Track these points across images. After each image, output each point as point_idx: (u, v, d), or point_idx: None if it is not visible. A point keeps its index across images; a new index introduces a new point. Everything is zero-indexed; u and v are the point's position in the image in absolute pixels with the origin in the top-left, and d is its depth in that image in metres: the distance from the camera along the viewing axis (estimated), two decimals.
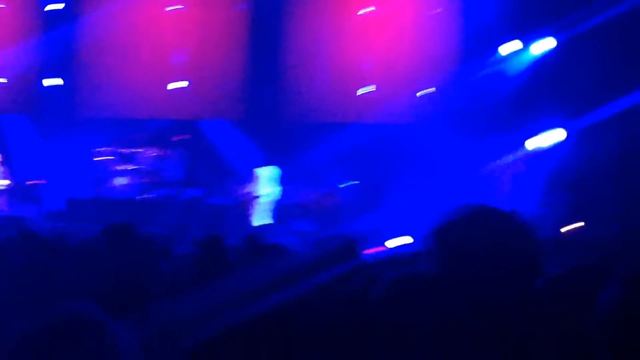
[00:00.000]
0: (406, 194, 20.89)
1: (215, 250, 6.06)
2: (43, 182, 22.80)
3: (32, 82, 24.37)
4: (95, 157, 23.05)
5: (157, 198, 22.40)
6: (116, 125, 23.66)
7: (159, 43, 23.77)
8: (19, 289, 5.06)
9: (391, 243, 19.45)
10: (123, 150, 23.23)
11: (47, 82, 24.17)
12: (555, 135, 20.66)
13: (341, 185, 22.23)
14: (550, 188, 20.47)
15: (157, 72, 23.75)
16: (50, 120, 24.00)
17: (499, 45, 21.51)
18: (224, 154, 23.27)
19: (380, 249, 18.28)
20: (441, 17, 22.52)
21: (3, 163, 21.40)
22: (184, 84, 23.64)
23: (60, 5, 24.21)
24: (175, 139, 23.66)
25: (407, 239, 19.47)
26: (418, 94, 22.26)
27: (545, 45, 21.01)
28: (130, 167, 22.84)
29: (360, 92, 22.72)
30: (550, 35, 20.92)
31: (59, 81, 24.21)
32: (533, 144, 20.74)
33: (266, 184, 20.74)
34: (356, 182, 22.17)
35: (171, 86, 23.57)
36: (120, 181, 22.59)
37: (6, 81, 23.94)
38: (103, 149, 23.15)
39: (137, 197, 22.41)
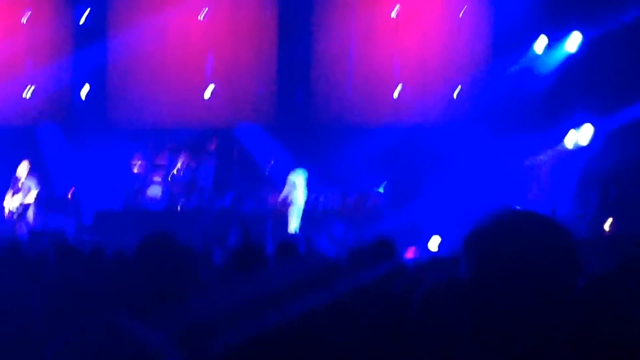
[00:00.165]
0: (440, 194, 20.82)
1: (253, 258, 6.05)
2: (75, 193, 22.87)
3: (66, 92, 24.51)
4: (128, 167, 23.11)
5: (190, 207, 22.43)
6: (148, 135, 23.74)
7: (189, 51, 23.84)
8: (56, 304, 5.07)
9: (431, 244, 19.43)
10: (155, 160, 23.29)
11: (83, 92, 24.31)
12: (587, 133, 20.54)
13: (376, 189, 22.20)
14: (584, 186, 20.36)
15: (188, 80, 23.82)
16: (83, 130, 24.11)
17: (529, 43, 21.42)
18: (257, 160, 23.29)
19: (419, 251, 18.27)
20: (471, 15, 22.44)
21: (32, 173, 21.43)
22: (211, 87, 23.67)
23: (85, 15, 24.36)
24: (207, 146, 23.71)
25: (437, 240, 19.44)
26: (454, 95, 22.18)
27: (577, 42, 20.90)
28: (162, 176, 22.88)
29: (396, 94, 22.68)
30: (581, 31, 20.80)
31: (87, 88, 24.31)
32: (567, 141, 20.64)
33: (299, 189, 20.72)
34: (385, 184, 22.10)
35: (207, 94, 23.63)
36: (153, 191, 22.63)
37: (33, 89, 24.07)
38: (136, 159, 23.21)
39: (170, 207, 22.45)
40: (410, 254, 17.38)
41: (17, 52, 24.00)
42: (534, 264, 2.42)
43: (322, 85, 23.51)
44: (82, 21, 24.31)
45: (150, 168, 23.06)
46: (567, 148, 20.68)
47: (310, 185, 21.42)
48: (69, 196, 22.74)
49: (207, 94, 23.66)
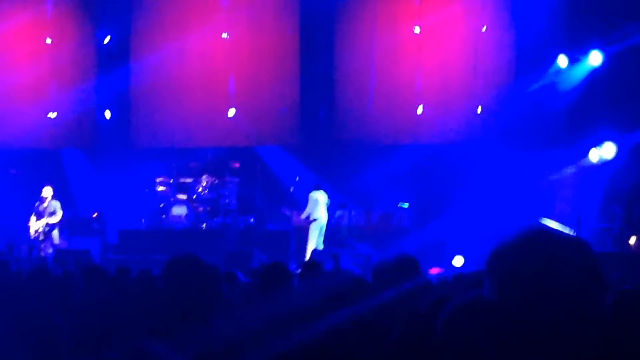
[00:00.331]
0: (464, 211, 20.79)
1: (279, 276, 6.06)
2: (101, 213, 22.98)
3: (90, 114, 24.65)
4: (153, 187, 23.21)
5: (215, 226, 22.49)
6: (172, 155, 23.84)
7: (212, 71, 23.94)
8: (82, 324, 5.09)
9: (455, 261, 19.38)
10: (180, 179, 23.39)
11: (107, 114, 24.47)
12: (610, 149, 20.49)
13: (401, 204, 22.20)
14: (609, 200, 20.29)
15: (211, 100, 23.90)
16: (108, 151, 24.23)
17: (551, 59, 21.39)
18: (280, 178, 23.33)
19: (444, 268, 18.23)
20: (493, 32, 22.42)
21: (57, 194, 21.52)
22: (233, 111, 23.75)
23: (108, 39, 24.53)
24: (231, 166, 23.78)
25: (461, 259, 19.41)
26: (478, 111, 22.15)
27: (599, 58, 20.85)
28: (186, 196, 22.96)
29: (419, 110, 22.67)
30: (603, 48, 20.76)
31: (110, 114, 24.49)
32: (591, 156, 20.59)
33: (321, 207, 20.71)
34: (407, 204, 22.11)
35: (230, 114, 23.70)
36: (177, 210, 22.70)
37: (56, 116, 24.23)
38: (160, 179, 23.31)
39: (194, 226, 22.51)
40: (434, 270, 17.36)
41: (42, 74, 24.17)
42: (558, 283, 2.41)
43: (344, 104, 23.53)
44: (105, 41, 24.45)
45: (175, 188, 23.16)
46: (591, 163, 20.62)
47: (333, 203, 21.44)
48: (94, 216, 22.85)
49: (230, 114, 23.73)
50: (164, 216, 22.73)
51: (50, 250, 20.52)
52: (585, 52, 21.03)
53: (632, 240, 19.46)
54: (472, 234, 19.55)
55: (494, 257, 2.50)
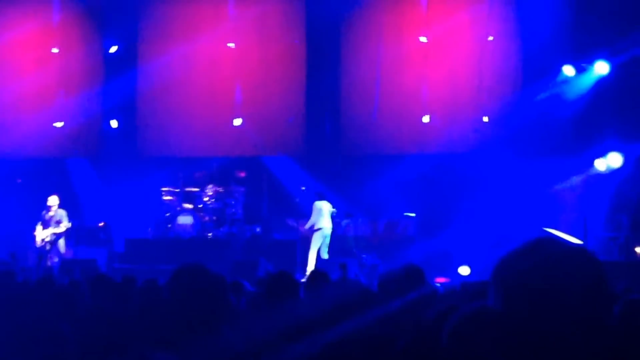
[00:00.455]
0: (471, 220, 20.77)
1: (285, 285, 6.06)
2: (107, 222, 23.00)
3: (96, 123, 24.68)
4: (159, 196, 23.21)
5: (221, 235, 22.48)
6: (178, 164, 23.85)
7: (218, 80, 23.95)
8: (89, 333, 5.09)
9: (461, 270, 19.36)
10: (186, 188, 23.39)
11: (113, 123, 24.49)
12: (616, 159, 20.48)
13: (405, 214, 22.18)
14: (616, 209, 20.27)
15: (217, 109, 23.92)
16: (114, 159, 24.24)
17: (557, 69, 21.39)
18: (286, 189, 23.34)
19: (450, 277, 18.21)
20: (499, 41, 22.42)
21: (63, 203, 21.51)
22: (239, 120, 23.77)
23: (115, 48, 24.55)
24: (237, 176, 23.78)
25: (467, 269, 19.39)
26: (484, 121, 22.14)
27: (605, 67, 20.84)
28: (192, 205, 22.96)
29: (425, 119, 22.66)
30: (609, 56, 20.75)
31: (116, 123, 24.52)
32: (597, 165, 20.58)
33: (325, 217, 20.65)
34: (413, 214, 22.10)
35: (237, 122, 23.70)
36: (183, 219, 22.70)
37: (63, 125, 24.25)
38: (166, 188, 23.32)
39: (200, 235, 22.50)
40: (440, 280, 17.35)
41: (49, 83, 24.22)
42: (564, 293, 2.41)
43: (351, 113, 23.54)
44: (112, 50, 24.48)
45: (181, 197, 23.16)
46: (597, 172, 20.61)
47: (340, 212, 21.42)
48: (100, 225, 22.86)
49: (236, 123, 23.75)
50: (170, 225, 22.72)
51: (56, 260, 20.51)
52: (591, 61, 21.02)
53: (639, 249, 19.44)
54: (478, 244, 19.54)
55: (500, 267, 2.50)
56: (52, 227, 20.74)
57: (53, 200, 20.94)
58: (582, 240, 18.52)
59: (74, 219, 21.40)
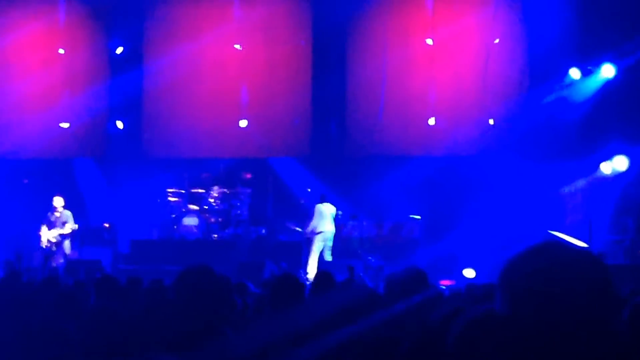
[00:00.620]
0: (476, 223, 20.75)
1: (291, 287, 6.05)
2: (112, 222, 23.01)
3: (101, 124, 24.69)
4: (164, 197, 23.22)
5: (226, 237, 22.49)
6: (184, 165, 23.87)
7: (224, 82, 23.95)
8: (94, 334, 5.09)
9: (467, 273, 19.34)
10: (191, 190, 23.40)
11: (119, 124, 24.49)
12: (622, 162, 20.47)
13: (411, 216, 22.16)
14: (621, 212, 20.26)
15: (223, 110, 23.92)
16: (119, 161, 24.24)
17: (564, 71, 21.38)
18: (291, 190, 23.33)
19: (454, 281, 18.19)
20: (505, 44, 22.39)
21: (68, 204, 21.51)
22: (245, 122, 23.77)
23: (121, 49, 24.57)
24: (242, 177, 23.79)
25: (472, 272, 19.37)
26: (490, 123, 22.12)
27: (612, 70, 20.83)
28: (198, 206, 22.97)
29: (431, 121, 22.64)
30: (616, 59, 20.74)
31: (122, 125, 24.52)
32: (603, 168, 20.57)
33: (327, 220, 20.62)
34: (419, 216, 22.08)
35: (242, 124, 23.69)
36: (189, 221, 22.70)
37: (68, 126, 24.26)
38: (171, 189, 23.32)
39: (206, 237, 22.51)
40: (446, 282, 17.33)
41: (54, 84, 24.23)
42: (570, 296, 2.40)
43: (356, 115, 23.53)
44: (118, 51, 24.49)
45: (186, 198, 23.17)
46: (603, 175, 20.60)
47: (345, 214, 21.42)
48: (105, 226, 22.87)
49: (242, 124, 23.74)
50: (175, 227, 22.73)
51: (61, 260, 20.53)
52: (597, 64, 21.01)
53: None
54: (483, 246, 19.53)
55: (506, 271, 2.49)
56: (58, 228, 20.76)
57: (58, 202, 20.95)
58: (587, 243, 18.51)
59: (79, 220, 21.41)
